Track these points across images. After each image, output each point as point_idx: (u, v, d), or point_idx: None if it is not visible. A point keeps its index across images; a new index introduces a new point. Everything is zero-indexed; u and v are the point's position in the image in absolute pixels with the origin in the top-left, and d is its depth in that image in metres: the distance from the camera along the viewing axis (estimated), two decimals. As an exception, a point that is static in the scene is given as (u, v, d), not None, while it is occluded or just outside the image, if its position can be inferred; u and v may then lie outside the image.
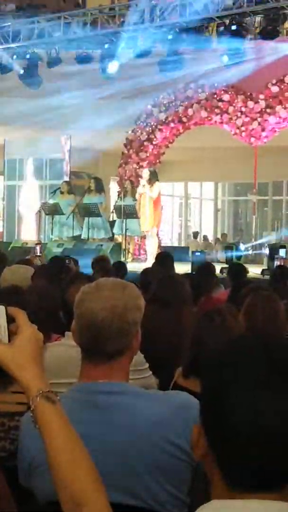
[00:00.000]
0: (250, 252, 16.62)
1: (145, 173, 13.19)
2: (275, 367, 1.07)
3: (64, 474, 1.29)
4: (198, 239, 20.01)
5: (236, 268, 7.58)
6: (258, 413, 1.03)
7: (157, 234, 13.64)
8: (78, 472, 1.29)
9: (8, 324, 1.36)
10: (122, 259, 12.11)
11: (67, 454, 1.30)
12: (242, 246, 12.40)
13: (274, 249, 11.76)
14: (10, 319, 1.36)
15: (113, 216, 13.83)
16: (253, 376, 1.06)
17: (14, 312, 1.37)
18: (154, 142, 14.64)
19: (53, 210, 14.19)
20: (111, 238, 14.07)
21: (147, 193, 12.89)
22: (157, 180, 13.08)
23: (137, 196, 13.40)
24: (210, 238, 20.39)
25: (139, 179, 14.16)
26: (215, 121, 13.93)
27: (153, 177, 12.97)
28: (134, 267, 11.10)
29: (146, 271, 6.44)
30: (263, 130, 13.44)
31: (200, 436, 1.11)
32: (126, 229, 13.02)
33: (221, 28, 11.33)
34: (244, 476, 1.05)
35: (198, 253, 12.29)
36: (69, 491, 1.28)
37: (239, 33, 11.07)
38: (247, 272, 7.62)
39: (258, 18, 11.26)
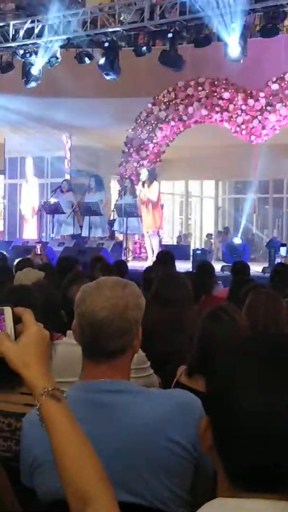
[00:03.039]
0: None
1: (143, 173, 13.07)
2: (286, 367, 1.07)
3: (71, 472, 1.28)
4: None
5: (239, 266, 7.56)
6: (267, 413, 1.03)
7: (158, 233, 13.60)
8: (84, 469, 1.28)
9: (15, 324, 1.36)
10: (123, 258, 12.11)
11: (74, 451, 1.30)
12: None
13: (274, 247, 11.75)
14: (17, 320, 1.36)
15: (114, 215, 13.81)
16: (265, 375, 1.06)
17: (20, 311, 1.37)
18: (154, 141, 14.63)
19: (53, 209, 14.20)
20: (112, 237, 14.05)
21: (146, 195, 12.76)
22: (155, 179, 12.95)
23: (137, 193, 13.30)
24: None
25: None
26: (216, 119, 13.91)
27: (152, 177, 12.84)
28: (135, 265, 11.12)
29: (147, 269, 6.45)
30: (263, 128, 13.42)
31: (207, 429, 1.12)
32: (126, 228, 13.01)
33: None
34: (247, 475, 1.05)
35: (199, 251, 12.29)
36: (76, 488, 1.27)
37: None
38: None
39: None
